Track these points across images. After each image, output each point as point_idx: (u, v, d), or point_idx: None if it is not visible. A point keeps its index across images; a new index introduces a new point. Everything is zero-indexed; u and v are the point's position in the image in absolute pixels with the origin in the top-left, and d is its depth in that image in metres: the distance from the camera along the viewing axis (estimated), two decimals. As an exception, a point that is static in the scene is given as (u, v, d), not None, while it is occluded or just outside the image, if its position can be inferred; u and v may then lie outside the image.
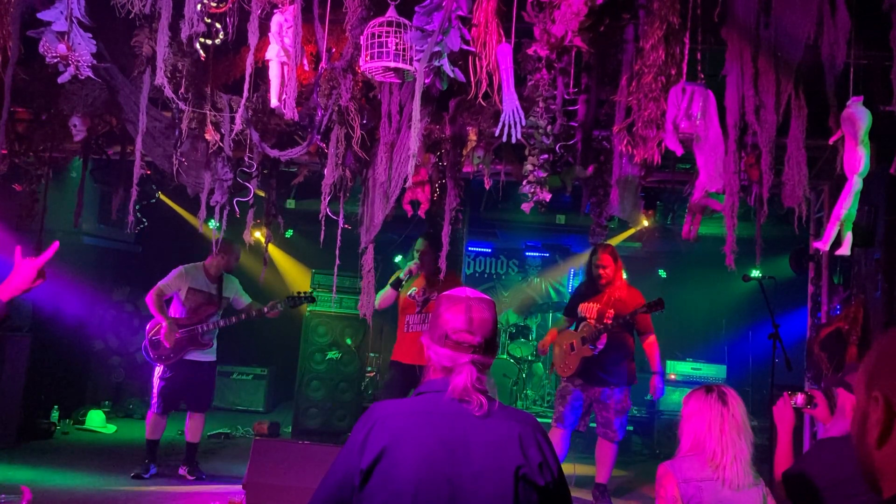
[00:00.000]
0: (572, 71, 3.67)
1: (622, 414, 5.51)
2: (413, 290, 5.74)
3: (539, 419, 1.92)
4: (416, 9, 3.41)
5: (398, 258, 10.22)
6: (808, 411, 3.10)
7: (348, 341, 7.53)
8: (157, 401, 5.74)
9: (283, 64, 3.80)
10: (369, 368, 8.63)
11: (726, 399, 2.66)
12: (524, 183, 3.83)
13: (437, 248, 5.70)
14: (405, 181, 3.90)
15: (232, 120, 4.36)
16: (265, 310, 5.84)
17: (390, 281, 5.68)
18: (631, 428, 7.94)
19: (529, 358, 9.25)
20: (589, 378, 5.49)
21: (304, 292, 6.07)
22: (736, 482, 2.56)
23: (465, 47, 3.44)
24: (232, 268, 6.02)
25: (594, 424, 5.66)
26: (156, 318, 5.69)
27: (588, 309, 5.58)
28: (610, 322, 5.40)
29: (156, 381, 5.77)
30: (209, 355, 5.87)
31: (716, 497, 2.56)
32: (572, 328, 5.78)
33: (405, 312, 5.77)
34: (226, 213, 4.79)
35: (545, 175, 3.78)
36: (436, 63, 3.37)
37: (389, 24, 3.33)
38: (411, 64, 3.36)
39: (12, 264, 2.40)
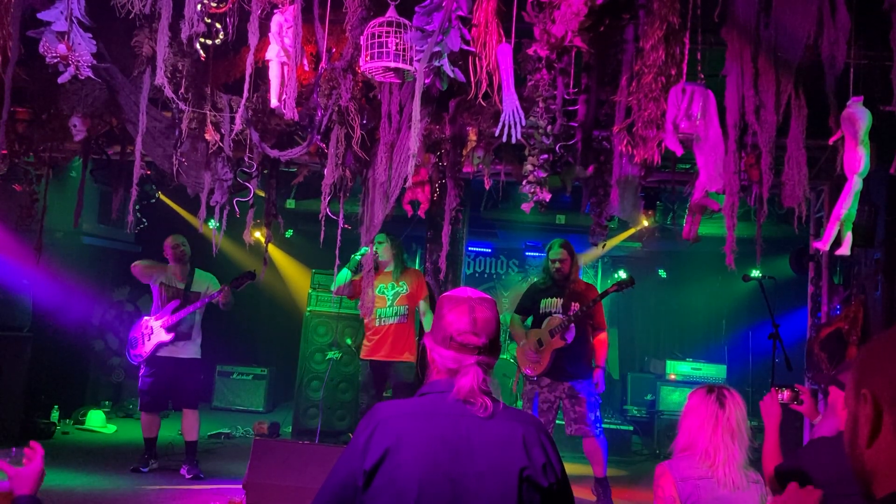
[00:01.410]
0: (572, 71, 3.67)
1: (596, 406, 5.50)
2: (381, 285, 5.80)
3: (539, 419, 1.92)
4: (416, 9, 3.41)
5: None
6: (795, 407, 3.13)
7: (348, 341, 7.52)
8: (139, 398, 5.96)
9: (283, 64, 3.80)
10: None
11: (724, 402, 2.67)
12: (524, 183, 3.84)
13: (394, 246, 5.85)
14: (405, 181, 3.90)
15: (232, 120, 4.36)
16: (215, 294, 5.86)
17: (348, 266, 5.70)
18: (631, 428, 7.95)
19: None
20: (557, 375, 5.50)
21: (246, 271, 6.04)
22: (729, 483, 2.58)
23: (465, 47, 3.44)
24: (181, 256, 6.00)
25: (561, 422, 5.66)
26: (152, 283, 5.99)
27: (552, 304, 5.63)
28: (575, 313, 5.45)
29: (139, 381, 5.95)
30: (189, 352, 5.93)
31: (713, 495, 2.58)
32: (528, 323, 5.81)
33: (375, 306, 5.67)
34: (226, 213, 4.80)
35: (545, 175, 3.78)
36: (436, 63, 3.37)
37: (389, 24, 3.34)
38: (411, 64, 3.36)
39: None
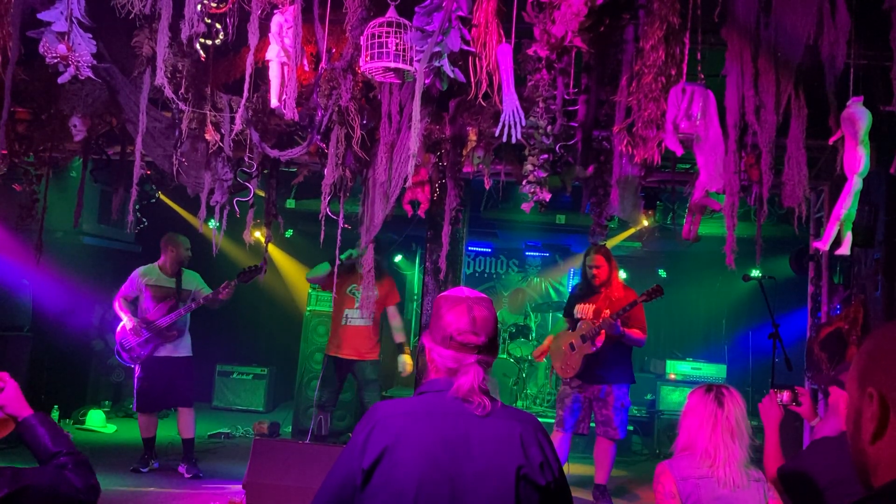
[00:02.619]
0: (572, 71, 3.67)
1: (622, 411, 5.51)
2: (353, 286, 6.07)
3: (540, 419, 1.93)
4: (416, 9, 3.41)
5: (398, 258, 10.22)
6: (793, 408, 3.14)
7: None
8: (135, 399, 5.97)
9: (283, 64, 3.80)
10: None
11: (723, 401, 2.68)
12: (524, 183, 3.84)
13: (378, 252, 5.92)
14: (405, 181, 3.91)
15: (232, 120, 4.36)
16: (220, 290, 5.88)
17: (329, 258, 5.88)
18: (631, 428, 7.94)
19: (529, 357, 9.26)
20: (588, 377, 5.50)
21: (253, 265, 6.05)
22: (730, 482, 2.57)
23: (465, 47, 3.44)
24: (184, 259, 6.05)
25: (594, 425, 5.66)
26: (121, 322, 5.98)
27: (584, 309, 5.61)
28: (604, 321, 5.40)
29: (135, 382, 5.97)
30: (182, 350, 5.97)
31: (713, 494, 2.57)
32: (569, 329, 5.81)
33: (343, 306, 6.12)
34: (226, 213, 4.80)
35: (545, 175, 3.78)
36: (436, 63, 3.37)
37: (389, 24, 3.34)
38: (411, 64, 3.36)
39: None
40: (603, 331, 5.37)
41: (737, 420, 2.65)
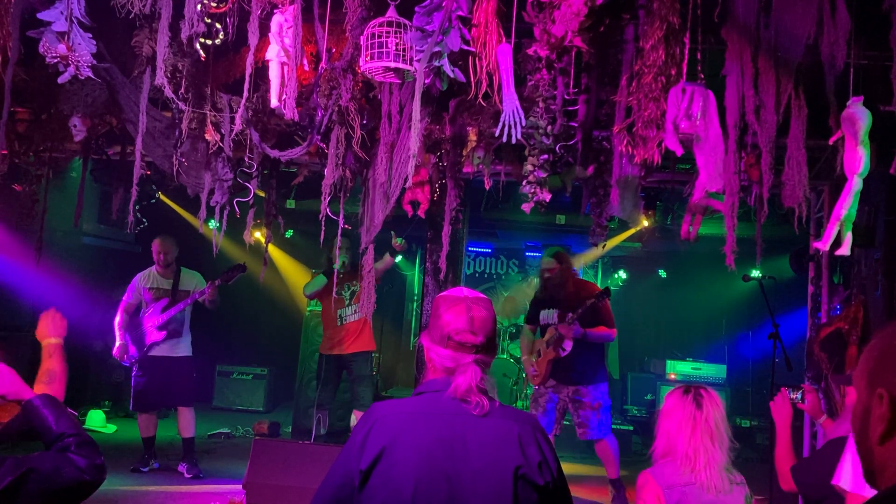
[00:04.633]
0: (572, 71, 3.67)
1: (601, 411, 5.47)
2: (337, 288, 6.20)
3: (539, 419, 1.93)
4: (416, 9, 3.41)
5: (399, 258, 10.21)
6: (798, 405, 3.15)
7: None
8: (131, 399, 6.02)
9: (283, 64, 3.80)
10: (369, 368, 8.62)
11: (701, 402, 2.60)
12: (524, 183, 3.84)
13: (351, 249, 6.13)
14: (405, 181, 3.90)
15: (232, 120, 4.36)
16: (203, 290, 5.92)
17: (324, 271, 6.26)
18: (631, 428, 7.95)
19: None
20: (562, 378, 5.52)
21: (235, 265, 6.07)
22: (712, 487, 2.50)
23: (465, 47, 3.44)
24: (171, 252, 6.07)
25: (567, 423, 5.67)
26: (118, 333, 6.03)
27: (549, 315, 5.64)
28: (570, 322, 5.40)
29: (131, 381, 6.02)
30: (181, 350, 5.99)
31: (699, 500, 2.52)
32: (536, 336, 5.85)
33: (335, 307, 6.28)
34: (226, 213, 4.80)
35: (545, 175, 3.78)
36: (436, 63, 3.37)
37: (389, 24, 3.34)
38: (411, 64, 3.36)
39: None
40: (568, 334, 5.36)
41: (716, 422, 2.57)
